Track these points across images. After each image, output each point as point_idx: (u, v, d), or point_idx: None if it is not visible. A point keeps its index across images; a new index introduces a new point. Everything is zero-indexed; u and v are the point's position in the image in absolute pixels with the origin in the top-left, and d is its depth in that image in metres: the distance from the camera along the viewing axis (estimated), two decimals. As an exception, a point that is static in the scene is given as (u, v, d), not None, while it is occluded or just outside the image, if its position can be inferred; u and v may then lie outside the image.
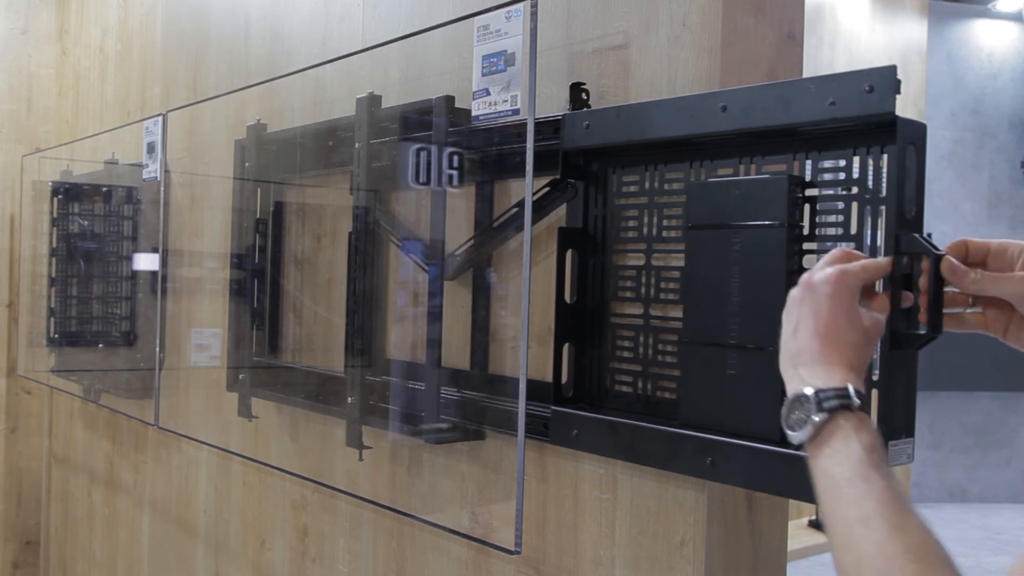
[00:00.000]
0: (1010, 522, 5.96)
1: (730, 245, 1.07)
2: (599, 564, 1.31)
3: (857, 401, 0.77)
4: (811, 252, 1.04)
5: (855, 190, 1.01)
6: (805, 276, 0.87)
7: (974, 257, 0.94)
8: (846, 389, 0.78)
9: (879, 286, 0.95)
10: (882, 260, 0.92)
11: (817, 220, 1.05)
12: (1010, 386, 6.19)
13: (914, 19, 6.14)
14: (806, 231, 1.05)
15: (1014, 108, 6.48)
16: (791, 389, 0.82)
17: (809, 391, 0.79)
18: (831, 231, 1.04)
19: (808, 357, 0.82)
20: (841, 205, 1.02)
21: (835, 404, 0.77)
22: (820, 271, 0.86)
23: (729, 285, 1.03)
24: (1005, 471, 6.47)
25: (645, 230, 1.25)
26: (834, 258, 0.89)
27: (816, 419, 0.77)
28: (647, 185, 1.25)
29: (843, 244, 1.03)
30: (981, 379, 6.08)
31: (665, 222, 1.23)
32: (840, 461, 0.74)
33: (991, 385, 6.21)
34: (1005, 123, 6.48)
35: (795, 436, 0.78)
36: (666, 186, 1.22)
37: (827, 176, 1.05)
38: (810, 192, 1.05)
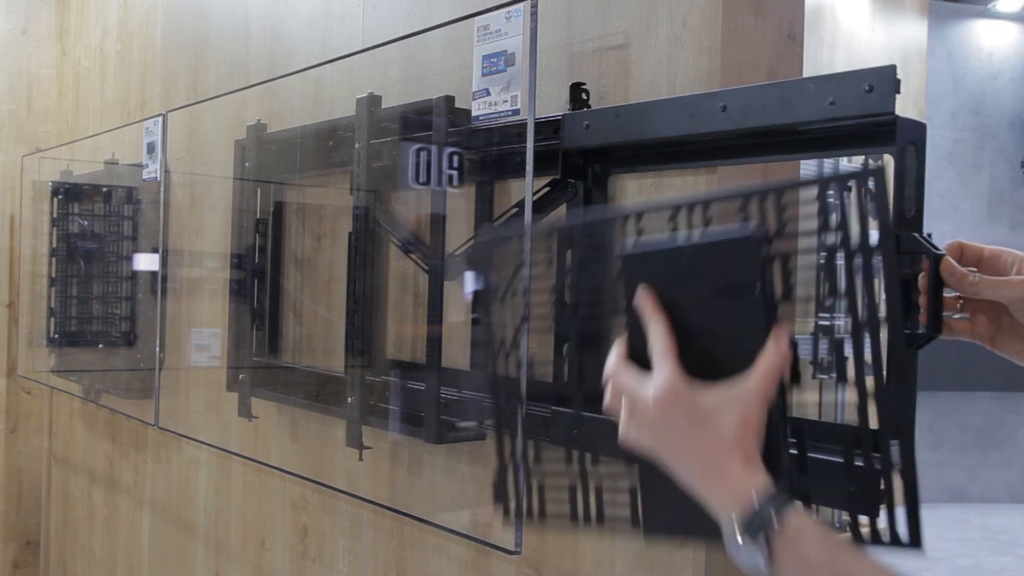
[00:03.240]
0: (1010, 522, 5.96)
1: (682, 320, 0.79)
2: (599, 564, 1.31)
3: (768, 516, 0.71)
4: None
5: (838, 237, 0.78)
6: (623, 429, 0.78)
7: (967, 261, 0.94)
8: (752, 513, 0.72)
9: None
10: (657, 327, 0.78)
11: (792, 279, 0.79)
12: (1010, 386, 6.19)
13: (914, 19, 6.14)
14: (780, 292, 0.79)
15: (1014, 108, 6.48)
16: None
17: (736, 540, 0.73)
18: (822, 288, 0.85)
19: (699, 488, 0.76)
20: (824, 258, 0.79)
21: (759, 533, 0.71)
22: (637, 402, 0.77)
23: (689, 367, 0.79)
24: (1005, 471, 6.48)
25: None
26: (622, 364, 0.80)
27: (762, 558, 0.71)
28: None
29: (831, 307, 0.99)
30: (981, 379, 6.08)
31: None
32: (797, 570, 0.71)
33: (991, 385, 6.21)
34: (1005, 123, 6.48)
35: (762, 573, 0.73)
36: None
37: (806, 220, 0.79)
38: (785, 247, 0.79)
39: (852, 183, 0.75)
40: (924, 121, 0.99)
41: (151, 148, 2.46)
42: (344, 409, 1.69)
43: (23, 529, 3.67)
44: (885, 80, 0.95)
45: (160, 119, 2.42)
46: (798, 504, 0.73)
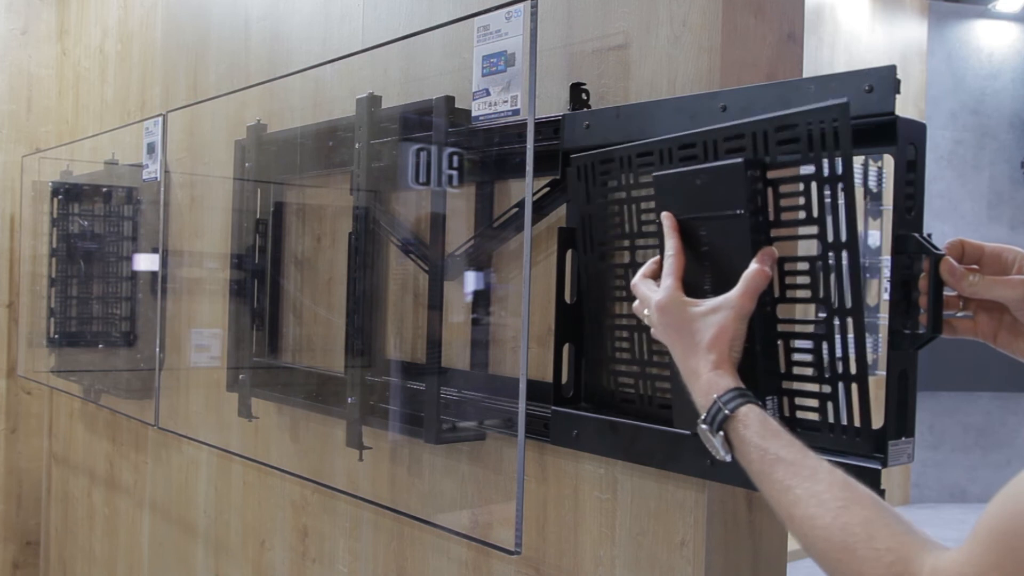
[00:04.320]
0: (1010, 522, 5.95)
1: (698, 238, 1.01)
2: (599, 564, 1.31)
3: (729, 408, 0.86)
4: (781, 239, 0.99)
5: (817, 169, 0.96)
6: (646, 319, 1.00)
7: (969, 259, 0.94)
8: (717, 403, 0.87)
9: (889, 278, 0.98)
10: (671, 247, 1.00)
11: (781, 204, 0.99)
12: (1010, 386, 6.19)
13: (914, 19, 6.14)
14: (772, 217, 0.99)
15: (1014, 108, 6.47)
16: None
17: (701, 424, 0.88)
18: (798, 214, 0.98)
19: (687, 379, 0.93)
20: (802, 187, 0.97)
21: (720, 420, 0.87)
22: (647, 306, 0.98)
23: (702, 281, 1.00)
24: (1005, 471, 6.45)
25: (627, 227, 1.22)
26: (643, 279, 1.02)
27: (719, 444, 0.87)
28: (624, 180, 1.21)
29: (807, 229, 0.98)
30: (981, 379, 6.08)
31: (644, 216, 1.19)
32: (751, 459, 0.84)
33: (991, 385, 6.20)
34: (1005, 123, 6.47)
35: (724, 459, 0.88)
36: (642, 179, 1.18)
37: (787, 157, 0.99)
38: (773, 175, 0.99)
39: (824, 119, 0.93)
40: (924, 121, 0.99)
41: (151, 148, 2.46)
42: (344, 409, 1.69)
43: (23, 529, 3.67)
44: (885, 80, 0.95)
45: (160, 119, 2.41)
46: (755, 403, 0.87)
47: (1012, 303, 0.92)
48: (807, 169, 0.96)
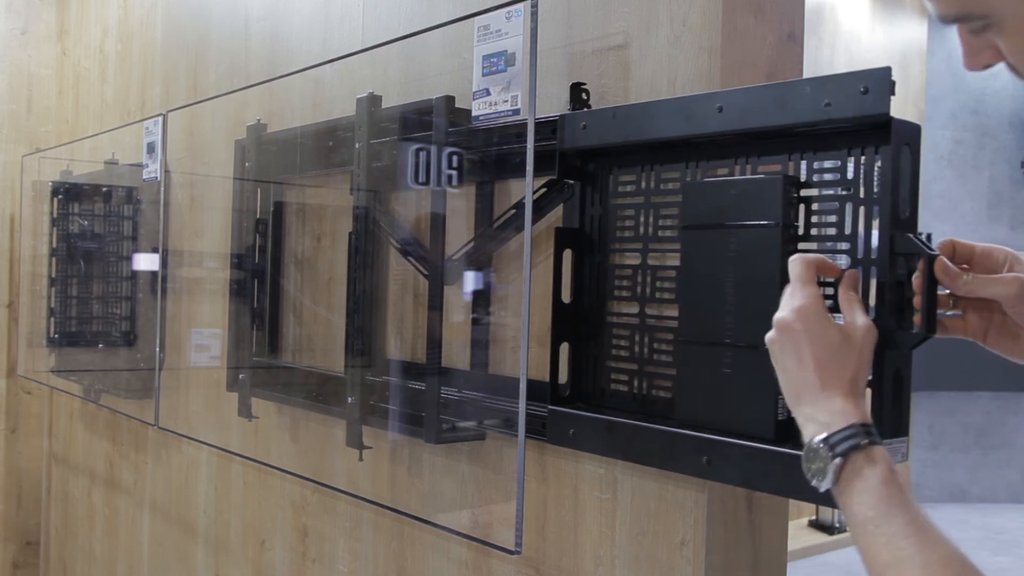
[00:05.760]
0: (1011, 522, 5.96)
1: (725, 245, 1.07)
2: (599, 564, 1.31)
3: (865, 440, 0.79)
4: (806, 252, 1.04)
5: (851, 190, 1.01)
6: (777, 317, 0.88)
7: (959, 259, 0.95)
8: (852, 428, 0.80)
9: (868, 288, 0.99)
10: (832, 267, 0.96)
11: (812, 220, 1.05)
12: (1010, 386, 6.19)
13: (914, 19, 6.14)
14: (801, 231, 1.06)
15: (1014, 108, 6.48)
16: (804, 434, 0.83)
17: (819, 441, 0.80)
18: (827, 231, 1.04)
19: (808, 394, 0.84)
20: (836, 205, 1.03)
21: (847, 447, 0.79)
22: (785, 309, 0.88)
23: (724, 285, 1.04)
24: (1005, 471, 6.47)
25: (641, 230, 1.25)
26: (798, 277, 0.90)
27: (831, 468, 0.79)
28: (643, 185, 1.25)
29: (840, 245, 1.03)
30: (981, 379, 6.08)
31: (661, 222, 1.23)
32: (863, 501, 0.77)
33: (991, 385, 6.21)
34: (1005, 123, 6.48)
35: (819, 486, 0.80)
36: (662, 186, 1.22)
37: (826, 176, 1.05)
38: (805, 192, 1.06)
39: (865, 145, 0.99)
40: (921, 123, 1.00)
41: (151, 148, 2.46)
42: (344, 409, 1.70)
43: (23, 529, 3.67)
44: (880, 82, 0.95)
45: (160, 119, 2.42)
46: (883, 451, 0.79)
47: (1006, 300, 0.92)
48: (842, 187, 1.02)
